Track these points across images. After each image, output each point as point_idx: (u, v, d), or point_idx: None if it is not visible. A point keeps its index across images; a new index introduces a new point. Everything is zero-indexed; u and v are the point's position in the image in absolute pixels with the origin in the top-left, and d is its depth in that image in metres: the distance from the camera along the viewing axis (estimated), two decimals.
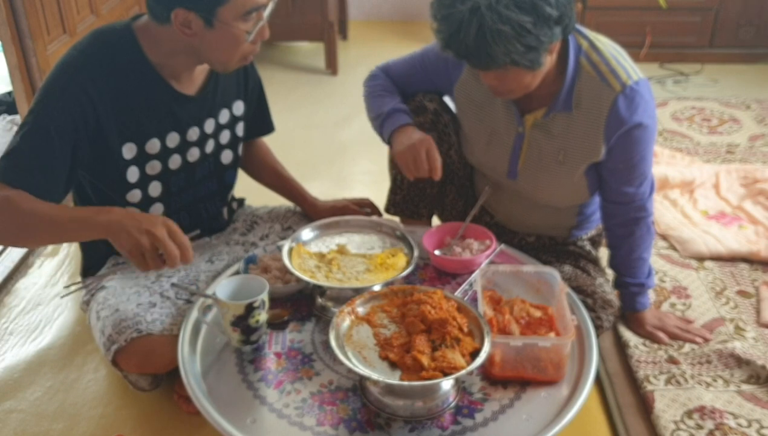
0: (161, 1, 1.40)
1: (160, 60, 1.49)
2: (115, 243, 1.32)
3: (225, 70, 1.51)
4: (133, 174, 1.55)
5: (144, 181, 1.57)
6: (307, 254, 1.54)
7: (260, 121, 1.84)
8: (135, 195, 1.57)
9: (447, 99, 1.80)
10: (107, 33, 1.49)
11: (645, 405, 1.62)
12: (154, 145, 1.55)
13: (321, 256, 1.54)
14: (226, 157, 1.72)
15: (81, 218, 1.36)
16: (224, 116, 1.67)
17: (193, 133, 1.60)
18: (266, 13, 1.44)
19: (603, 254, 1.90)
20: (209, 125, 1.63)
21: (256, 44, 1.48)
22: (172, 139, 1.57)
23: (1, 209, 1.35)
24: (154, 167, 1.57)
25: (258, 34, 1.44)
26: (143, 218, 1.31)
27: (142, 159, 1.54)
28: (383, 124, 1.71)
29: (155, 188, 1.60)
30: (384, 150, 1.83)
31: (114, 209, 1.35)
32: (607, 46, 1.57)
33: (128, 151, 1.52)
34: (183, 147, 1.60)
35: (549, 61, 1.46)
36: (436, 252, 1.63)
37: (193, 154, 1.63)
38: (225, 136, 1.70)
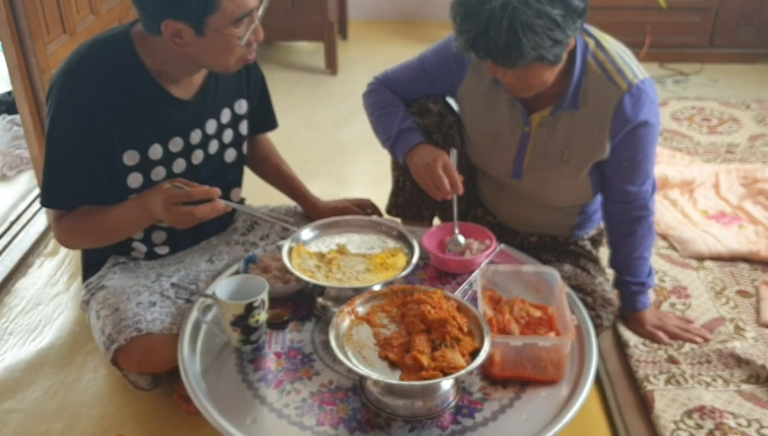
0: (150, 13, 1.39)
1: (157, 66, 1.49)
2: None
3: (226, 72, 1.52)
4: (135, 180, 1.55)
5: (148, 187, 1.57)
6: (307, 253, 1.54)
7: (263, 117, 1.84)
8: None
9: (450, 100, 1.80)
10: (104, 41, 1.49)
11: (645, 405, 1.62)
12: (156, 151, 1.55)
13: (321, 256, 1.54)
14: (230, 155, 1.72)
15: (131, 221, 1.53)
16: (226, 116, 1.67)
17: (196, 136, 1.60)
18: (259, 14, 1.44)
19: (603, 254, 1.90)
20: (210, 126, 1.63)
21: (252, 46, 1.48)
22: (176, 144, 1.57)
23: (79, 230, 1.55)
24: (158, 173, 1.57)
25: (251, 36, 1.44)
26: (152, 209, 1.45)
27: (145, 166, 1.55)
28: (394, 146, 1.71)
29: None
30: (384, 150, 1.83)
31: (141, 203, 1.49)
32: (613, 45, 1.57)
33: (129, 158, 1.52)
34: (187, 151, 1.60)
35: (564, 57, 1.47)
36: (436, 242, 1.63)
37: (198, 156, 1.63)
38: (228, 135, 1.70)
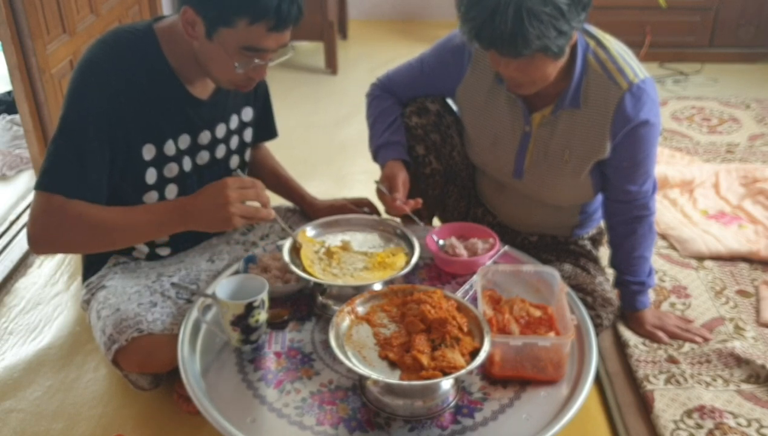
0: None
1: (177, 63, 1.49)
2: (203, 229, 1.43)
3: (216, 84, 1.53)
4: (151, 176, 1.55)
5: (161, 184, 1.57)
6: (311, 241, 1.55)
7: (264, 126, 1.84)
8: (152, 196, 1.57)
9: (450, 101, 1.80)
10: (128, 33, 1.49)
11: (645, 405, 1.62)
12: (170, 147, 1.55)
13: (326, 249, 1.55)
14: (234, 162, 1.73)
15: (157, 221, 1.44)
16: (234, 122, 1.68)
17: (204, 137, 1.61)
18: (272, 63, 1.44)
19: (603, 254, 1.90)
20: (221, 130, 1.64)
21: (251, 80, 1.48)
22: (183, 141, 1.57)
23: (72, 224, 1.41)
24: (171, 170, 1.57)
25: (251, 70, 1.44)
26: (212, 205, 1.38)
27: (160, 161, 1.55)
28: (377, 161, 1.78)
29: (171, 191, 1.60)
30: None
31: (182, 203, 1.44)
32: (614, 44, 1.57)
33: (147, 152, 1.52)
34: (193, 149, 1.60)
35: (566, 52, 1.46)
36: (440, 242, 1.63)
37: (203, 157, 1.63)
38: (234, 142, 1.70)
